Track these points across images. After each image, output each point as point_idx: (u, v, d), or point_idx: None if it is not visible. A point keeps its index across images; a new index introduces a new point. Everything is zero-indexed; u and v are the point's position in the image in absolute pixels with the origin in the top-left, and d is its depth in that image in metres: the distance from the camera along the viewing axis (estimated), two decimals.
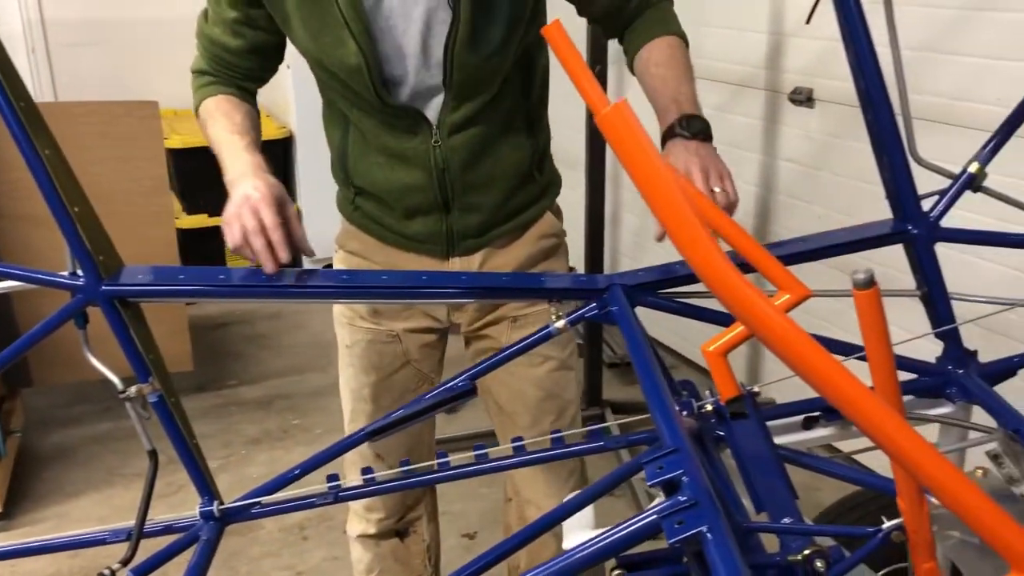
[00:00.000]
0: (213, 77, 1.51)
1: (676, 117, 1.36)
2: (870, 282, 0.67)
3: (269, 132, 4.20)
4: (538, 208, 1.59)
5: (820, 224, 1.95)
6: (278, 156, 4.22)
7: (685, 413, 1.19)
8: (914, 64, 2.43)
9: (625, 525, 0.84)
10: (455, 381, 1.30)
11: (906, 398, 1.29)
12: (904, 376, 1.30)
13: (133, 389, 1.21)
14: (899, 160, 1.23)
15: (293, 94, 4.10)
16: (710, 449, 1.16)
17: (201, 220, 4.15)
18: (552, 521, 1.05)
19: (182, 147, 4.02)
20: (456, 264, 1.56)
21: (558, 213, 1.65)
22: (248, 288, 1.31)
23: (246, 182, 1.31)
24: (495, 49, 1.39)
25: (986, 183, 1.29)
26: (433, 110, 1.44)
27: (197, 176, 4.13)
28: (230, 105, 1.48)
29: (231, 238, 1.29)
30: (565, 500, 1.07)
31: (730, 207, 1.28)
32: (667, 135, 1.37)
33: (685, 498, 0.81)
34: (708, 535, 0.77)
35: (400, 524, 1.79)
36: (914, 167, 1.30)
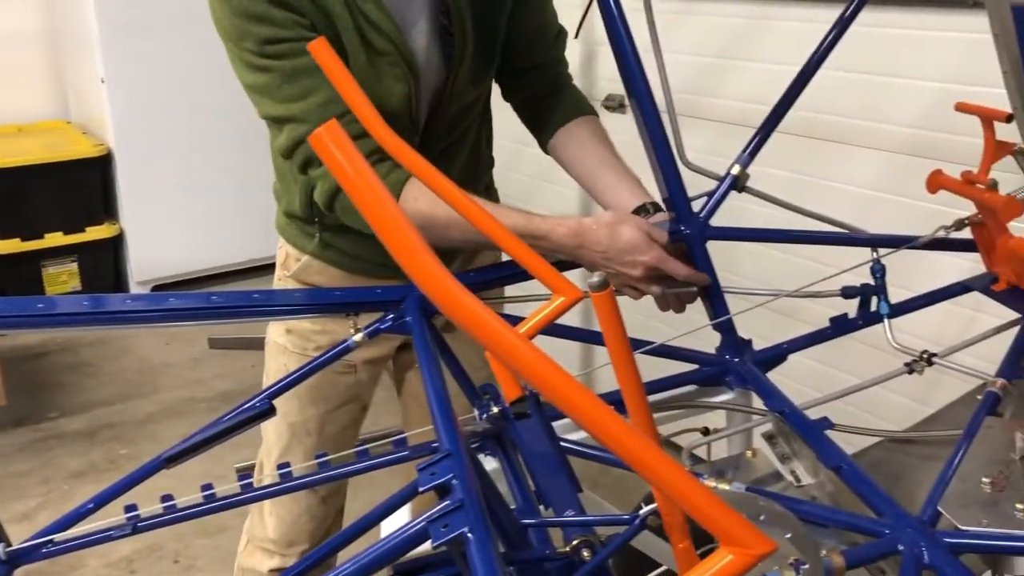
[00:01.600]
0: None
1: (649, 199, 1.44)
2: (604, 284, 0.72)
3: (85, 150, 3.98)
4: None
5: None
6: (95, 175, 4.00)
7: (484, 417, 1.22)
8: (714, 70, 2.58)
9: (395, 534, 0.86)
10: (253, 401, 1.29)
11: (690, 387, 1.37)
12: (688, 367, 1.38)
13: None
14: (669, 165, 1.30)
15: (109, 109, 3.91)
16: (509, 450, 1.20)
17: (15, 244, 3.90)
18: (369, 523, 1.06)
19: None
20: None
21: None
22: (25, 319, 1.25)
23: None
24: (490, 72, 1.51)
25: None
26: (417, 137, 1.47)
27: (9, 198, 3.90)
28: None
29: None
30: (380, 503, 1.08)
31: None
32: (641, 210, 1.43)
33: (451, 501, 0.83)
34: (469, 536, 0.79)
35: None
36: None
